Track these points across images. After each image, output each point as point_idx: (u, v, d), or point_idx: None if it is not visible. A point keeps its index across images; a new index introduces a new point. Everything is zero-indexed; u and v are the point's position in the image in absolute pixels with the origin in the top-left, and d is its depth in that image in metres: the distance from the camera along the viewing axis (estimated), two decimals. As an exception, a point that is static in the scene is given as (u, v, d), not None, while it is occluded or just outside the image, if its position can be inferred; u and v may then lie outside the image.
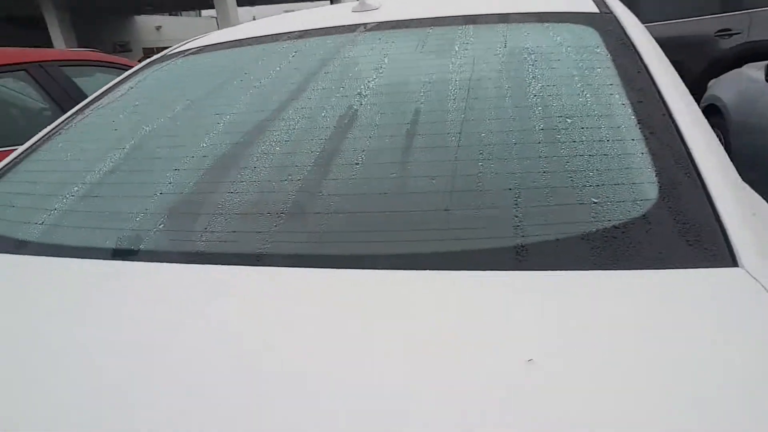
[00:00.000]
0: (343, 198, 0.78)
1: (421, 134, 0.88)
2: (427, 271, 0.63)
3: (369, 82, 1.03)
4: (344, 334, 0.56)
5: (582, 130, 0.80)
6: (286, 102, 1.01)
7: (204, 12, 31.95)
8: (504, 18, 1.16)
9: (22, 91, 2.78)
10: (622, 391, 0.46)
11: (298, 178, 0.82)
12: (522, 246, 0.64)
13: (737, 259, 0.58)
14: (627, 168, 0.73)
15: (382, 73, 1.05)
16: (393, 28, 1.20)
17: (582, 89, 0.89)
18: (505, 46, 1.06)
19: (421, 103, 0.95)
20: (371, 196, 0.80)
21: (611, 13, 1.12)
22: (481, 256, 0.66)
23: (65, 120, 1.20)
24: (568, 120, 0.83)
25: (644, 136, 0.76)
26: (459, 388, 0.47)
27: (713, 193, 0.65)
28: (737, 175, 0.73)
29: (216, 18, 19.90)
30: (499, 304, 0.59)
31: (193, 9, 30.48)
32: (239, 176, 0.85)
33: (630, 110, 0.81)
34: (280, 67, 1.14)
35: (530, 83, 0.92)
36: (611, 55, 0.95)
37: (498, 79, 0.98)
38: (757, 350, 0.49)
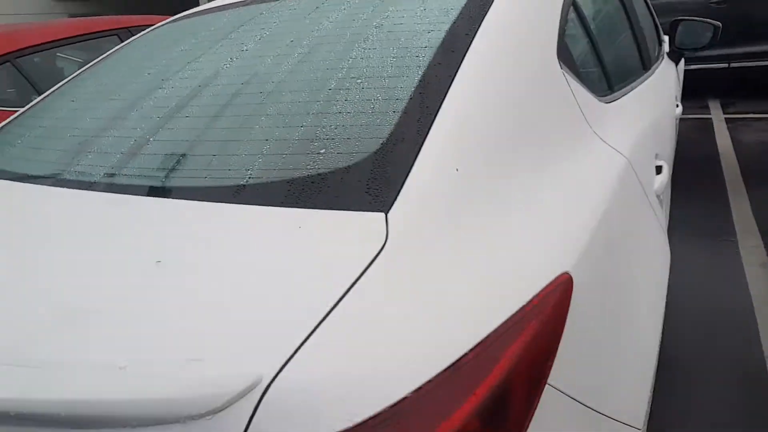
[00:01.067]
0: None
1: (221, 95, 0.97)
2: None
3: (239, 51, 1.10)
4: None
5: (347, 90, 0.84)
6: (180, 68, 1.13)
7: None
8: None
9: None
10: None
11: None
12: (236, 184, 0.74)
13: (388, 207, 0.63)
14: (360, 127, 0.76)
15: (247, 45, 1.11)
16: None
17: (388, 53, 0.91)
18: (370, 11, 1.07)
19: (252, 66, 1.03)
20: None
21: None
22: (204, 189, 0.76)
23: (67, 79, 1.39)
24: (344, 79, 0.87)
25: (399, 108, 0.77)
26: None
27: (415, 167, 0.67)
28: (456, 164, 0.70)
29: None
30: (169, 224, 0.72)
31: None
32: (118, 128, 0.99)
33: (406, 83, 0.81)
34: (206, 36, 1.25)
35: (354, 44, 0.96)
36: (450, 24, 0.91)
37: (329, 44, 0.99)
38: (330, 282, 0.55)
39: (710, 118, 4.40)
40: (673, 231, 1.87)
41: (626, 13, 1.69)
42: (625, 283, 0.84)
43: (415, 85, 0.80)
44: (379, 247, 0.58)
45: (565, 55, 1.01)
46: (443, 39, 0.88)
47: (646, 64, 1.71)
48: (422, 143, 0.69)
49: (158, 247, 0.66)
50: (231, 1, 1.40)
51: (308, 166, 0.72)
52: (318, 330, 0.50)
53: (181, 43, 1.26)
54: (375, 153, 0.71)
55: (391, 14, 1.03)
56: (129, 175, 0.85)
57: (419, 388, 0.48)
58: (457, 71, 0.79)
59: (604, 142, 0.97)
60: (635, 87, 1.43)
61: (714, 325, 1.82)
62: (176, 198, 0.75)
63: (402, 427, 0.47)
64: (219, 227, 0.69)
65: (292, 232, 0.64)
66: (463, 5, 0.95)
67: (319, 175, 0.70)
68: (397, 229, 0.60)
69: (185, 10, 1.58)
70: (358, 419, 0.45)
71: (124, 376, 0.48)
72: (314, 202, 0.67)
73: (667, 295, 1.05)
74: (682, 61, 2.57)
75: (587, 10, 1.32)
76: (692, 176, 3.16)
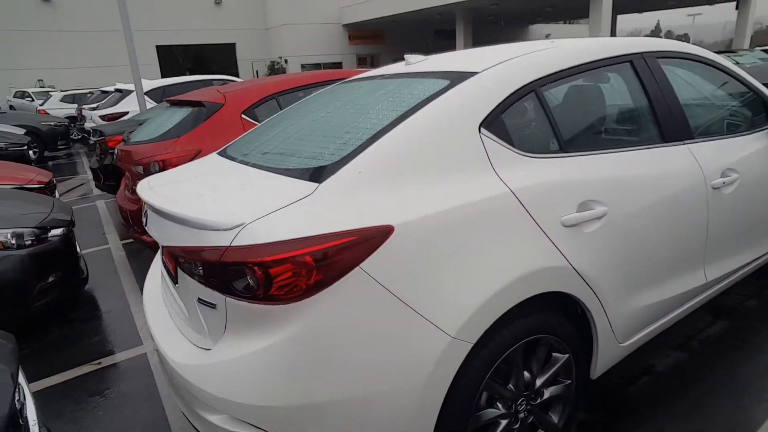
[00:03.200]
0: None
1: None
2: None
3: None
4: None
5: (342, 133, 1.75)
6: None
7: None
8: (420, 74, 2.01)
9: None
10: None
11: None
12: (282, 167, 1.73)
13: (322, 181, 1.48)
14: (335, 150, 1.65)
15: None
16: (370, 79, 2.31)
17: (373, 116, 1.76)
18: (398, 89, 1.95)
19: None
20: None
21: (474, 72, 1.78)
22: None
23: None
24: (342, 128, 1.82)
25: (356, 142, 1.62)
26: None
27: (342, 168, 1.50)
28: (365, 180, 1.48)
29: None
30: None
31: (579, 18, 31.56)
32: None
33: (369, 132, 1.64)
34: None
35: (360, 113, 1.86)
36: (412, 103, 1.72)
37: (350, 108, 2.02)
38: None
39: None
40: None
41: (643, 91, 2.12)
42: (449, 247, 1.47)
43: (371, 133, 1.61)
44: (310, 192, 1.45)
45: (493, 125, 1.68)
46: (403, 112, 1.67)
47: (667, 137, 2.10)
48: (351, 159, 1.52)
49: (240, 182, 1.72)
50: (365, 75, 2.41)
51: (310, 163, 1.63)
52: (270, 214, 1.40)
53: (320, 97, 2.33)
54: (334, 162, 1.55)
55: (386, 97, 1.88)
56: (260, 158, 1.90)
57: (305, 238, 1.33)
58: (390, 130, 1.59)
59: (499, 178, 1.61)
60: (615, 151, 1.91)
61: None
62: (268, 171, 1.74)
63: (288, 246, 1.33)
64: (260, 181, 1.67)
65: (292, 185, 1.55)
66: (425, 95, 1.73)
67: (310, 167, 1.60)
68: (320, 190, 1.45)
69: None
70: (278, 238, 1.34)
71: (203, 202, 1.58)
72: (304, 176, 1.56)
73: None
74: None
75: (556, 97, 1.92)
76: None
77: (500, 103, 1.72)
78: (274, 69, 26.95)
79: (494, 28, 29.93)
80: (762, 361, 2.41)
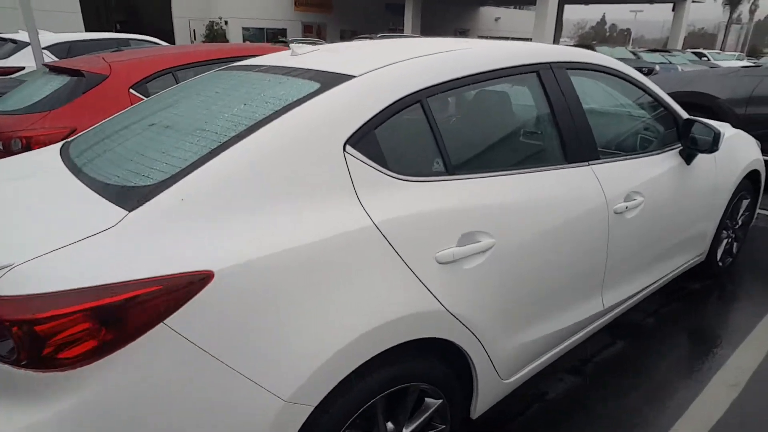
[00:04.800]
0: None
1: None
2: None
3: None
4: None
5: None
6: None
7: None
8: (294, 71, 1.69)
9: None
10: None
11: None
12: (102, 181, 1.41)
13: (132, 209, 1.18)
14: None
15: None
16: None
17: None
18: (262, 88, 1.64)
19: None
20: None
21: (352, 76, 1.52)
22: None
23: None
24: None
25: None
26: None
27: (158, 196, 1.21)
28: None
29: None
30: None
31: (529, 4, 31.90)
32: None
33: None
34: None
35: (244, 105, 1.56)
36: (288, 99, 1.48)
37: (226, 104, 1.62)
38: None
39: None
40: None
41: (548, 106, 1.93)
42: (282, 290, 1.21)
43: (210, 147, 1.33)
44: (115, 222, 1.15)
45: (363, 142, 1.42)
46: (255, 121, 1.39)
47: (568, 158, 1.93)
48: (177, 180, 1.23)
49: None
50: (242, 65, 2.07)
51: (131, 179, 1.32)
52: (51, 252, 1.08)
53: (188, 87, 1.97)
54: (157, 183, 1.25)
55: (246, 98, 1.59)
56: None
57: (90, 288, 1.04)
58: (232, 145, 1.30)
59: (362, 207, 1.36)
60: (505, 173, 1.71)
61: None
62: (87, 185, 1.40)
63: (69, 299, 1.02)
64: (67, 200, 1.35)
65: (98, 211, 1.23)
66: (287, 101, 1.45)
67: (127, 185, 1.30)
68: (127, 220, 1.16)
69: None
70: (54, 288, 1.03)
71: None
72: (118, 198, 1.25)
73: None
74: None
75: (446, 109, 1.68)
76: None
77: (375, 116, 1.47)
78: (213, 30, 25.43)
79: (444, 6, 29.63)
80: (650, 387, 2.35)
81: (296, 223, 1.26)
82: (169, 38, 24.36)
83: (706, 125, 2.42)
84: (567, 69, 2.03)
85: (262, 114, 1.42)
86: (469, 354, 1.61)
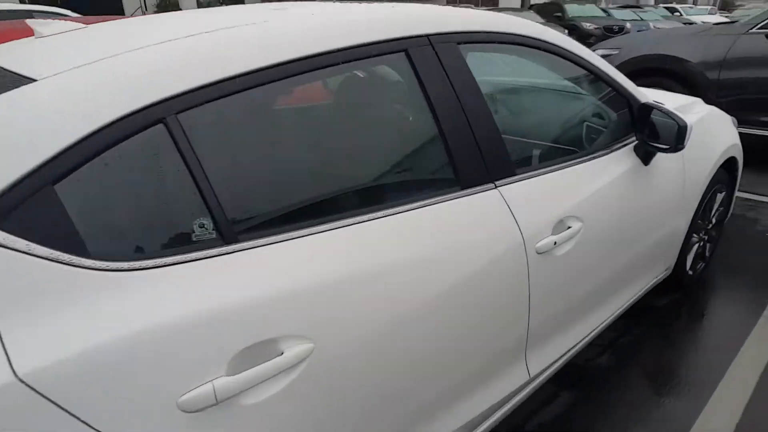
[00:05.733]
0: None
1: None
2: None
3: None
4: None
5: None
6: None
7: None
8: None
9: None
10: None
11: None
12: None
13: None
14: None
15: None
16: None
17: None
18: None
19: None
20: None
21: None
22: None
23: None
24: None
25: None
26: None
27: None
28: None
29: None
30: None
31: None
32: None
33: None
34: None
35: None
36: None
37: None
38: None
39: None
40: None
41: (427, 105, 1.25)
42: None
43: None
44: None
45: (28, 209, 0.74)
46: None
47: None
48: None
49: None
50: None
51: None
52: None
53: None
54: None
55: None
56: None
57: None
58: None
59: (2, 346, 0.70)
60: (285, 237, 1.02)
61: None
62: None
63: None
64: None
65: None
66: None
67: None
68: None
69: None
70: None
71: None
72: None
73: None
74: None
75: (224, 128, 1.00)
76: None
77: (62, 153, 0.79)
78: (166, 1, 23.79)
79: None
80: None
81: None
82: (118, 6, 22.58)
83: (668, 114, 1.77)
84: (459, 44, 1.35)
85: None
86: None
